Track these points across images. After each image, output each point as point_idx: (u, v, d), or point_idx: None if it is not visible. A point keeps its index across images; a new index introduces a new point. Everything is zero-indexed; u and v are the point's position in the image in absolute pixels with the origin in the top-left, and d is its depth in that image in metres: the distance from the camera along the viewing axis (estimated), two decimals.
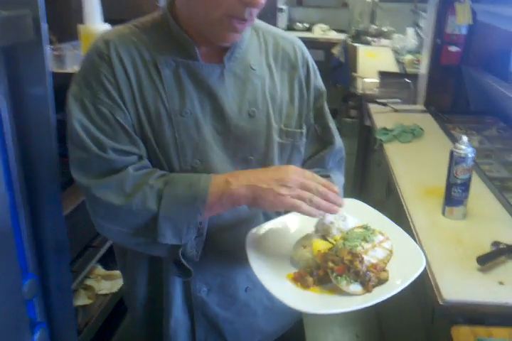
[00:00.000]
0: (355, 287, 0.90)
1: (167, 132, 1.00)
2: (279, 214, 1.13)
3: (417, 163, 2.19)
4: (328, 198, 0.93)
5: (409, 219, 1.69)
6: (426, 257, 1.43)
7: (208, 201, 0.92)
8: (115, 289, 1.88)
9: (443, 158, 2.18)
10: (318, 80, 1.22)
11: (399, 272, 0.94)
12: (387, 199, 2.45)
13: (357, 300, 0.89)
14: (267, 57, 1.12)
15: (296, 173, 0.92)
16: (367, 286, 0.90)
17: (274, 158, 1.11)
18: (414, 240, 1.62)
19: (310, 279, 0.93)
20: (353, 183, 3.36)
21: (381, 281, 0.91)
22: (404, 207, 1.79)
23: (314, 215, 0.92)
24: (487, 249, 1.47)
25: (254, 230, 1.03)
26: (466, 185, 1.64)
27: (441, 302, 1.27)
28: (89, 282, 1.84)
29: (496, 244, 1.48)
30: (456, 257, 1.45)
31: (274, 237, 1.01)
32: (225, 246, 1.10)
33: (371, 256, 0.95)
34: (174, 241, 0.93)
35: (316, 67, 1.22)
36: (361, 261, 0.91)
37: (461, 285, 1.31)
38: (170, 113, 1.00)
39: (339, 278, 0.90)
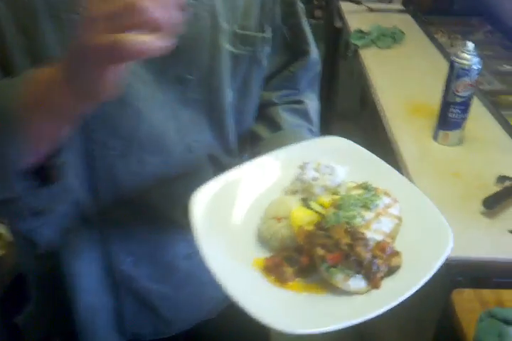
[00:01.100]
0: (357, 282, 0.61)
1: (48, 42, 0.61)
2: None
3: (399, 74, 1.85)
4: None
5: (394, 146, 1.40)
6: None
7: (22, 124, 0.55)
8: None
9: (429, 68, 1.87)
10: None
11: (413, 250, 0.64)
12: (361, 113, 2.14)
13: (362, 302, 0.60)
14: None
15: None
16: (374, 280, 0.60)
17: (222, 76, 0.76)
18: (401, 173, 1.37)
19: (289, 270, 0.63)
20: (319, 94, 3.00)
21: (392, 269, 0.62)
22: (387, 131, 1.48)
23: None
24: (491, 184, 1.21)
25: (200, 192, 0.69)
26: (466, 104, 1.33)
27: None
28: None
29: (501, 179, 1.21)
30: (455, 196, 1.17)
31: (231, 201, 0.68)
32: (153, 206, 0.79)
33: (375, 230, 0.64)
34: None
35: None
36: (365, 245, 0.60)
37: (464, 237, 1.04)
38: (53, 9, 0.62)
39: (333, 270, 0.60)
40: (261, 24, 0.80)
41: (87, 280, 0.81)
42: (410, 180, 1.23)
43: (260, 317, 0.57)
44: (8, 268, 1.43)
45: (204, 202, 0.69)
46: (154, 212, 0.80)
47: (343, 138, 0.82)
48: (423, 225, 0.68)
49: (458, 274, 1.00)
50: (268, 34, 0.81)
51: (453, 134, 1.36)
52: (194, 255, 0.85)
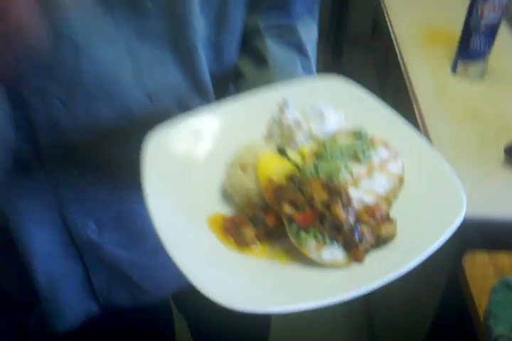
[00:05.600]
0: (334, 252, 0.49)
1: None
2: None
3: None
4: None
5: (406, 79, 1.23)
6: (429, 140, 1.03)
7: None
8: None
9: None
10: None
11: (413, 219, 0.51)
12: (373, 39, 1.94)
13: (337, 278, 0.48)
14: None
15: None
16: (356, 251, 0.48)
17: (191, 2, 0.59)
18: (411, 112, 1.21)
19: (250, 232, 0.51)
20: (329, 15, 2.75)
21: (382, 240, 0.49)
22: (400, 59, 1.31)
23: None
24: None
25: (155, 136, 0.57)
26: (492, 32, 1.14)
27: None
28: None
29: None
30: (472, 141, 1.02)
31: (192, 148, 0.56)
32: (110, 164, 0.67)
33: (365, 190, 0.51)
34: None
35: None
36: (347, 204, 0.48)
37: (481, 190, 0.90)
38: None
39: (303, 234, 0.48)
40: None
41: (43, 245, 0.72)
42: (423, 120, 1.08)
43: (208, 290, 0.45)
44: None
45: (159, 148, 0.56)
46: (113, 171, 0.67)
47: (344, 78, 0.67)
48: (430, 188, 0.55)
49: (471, 234, 0.86)
50: None
51: (474, 66, 1.19)
52: None
